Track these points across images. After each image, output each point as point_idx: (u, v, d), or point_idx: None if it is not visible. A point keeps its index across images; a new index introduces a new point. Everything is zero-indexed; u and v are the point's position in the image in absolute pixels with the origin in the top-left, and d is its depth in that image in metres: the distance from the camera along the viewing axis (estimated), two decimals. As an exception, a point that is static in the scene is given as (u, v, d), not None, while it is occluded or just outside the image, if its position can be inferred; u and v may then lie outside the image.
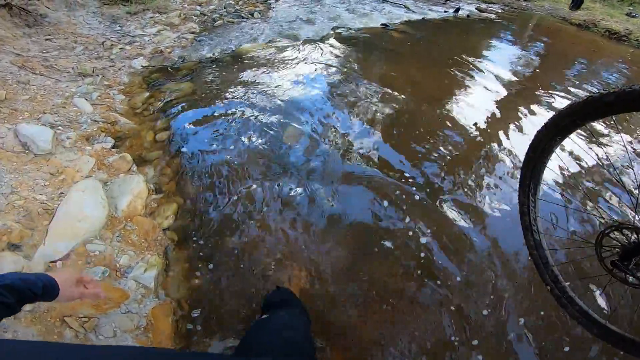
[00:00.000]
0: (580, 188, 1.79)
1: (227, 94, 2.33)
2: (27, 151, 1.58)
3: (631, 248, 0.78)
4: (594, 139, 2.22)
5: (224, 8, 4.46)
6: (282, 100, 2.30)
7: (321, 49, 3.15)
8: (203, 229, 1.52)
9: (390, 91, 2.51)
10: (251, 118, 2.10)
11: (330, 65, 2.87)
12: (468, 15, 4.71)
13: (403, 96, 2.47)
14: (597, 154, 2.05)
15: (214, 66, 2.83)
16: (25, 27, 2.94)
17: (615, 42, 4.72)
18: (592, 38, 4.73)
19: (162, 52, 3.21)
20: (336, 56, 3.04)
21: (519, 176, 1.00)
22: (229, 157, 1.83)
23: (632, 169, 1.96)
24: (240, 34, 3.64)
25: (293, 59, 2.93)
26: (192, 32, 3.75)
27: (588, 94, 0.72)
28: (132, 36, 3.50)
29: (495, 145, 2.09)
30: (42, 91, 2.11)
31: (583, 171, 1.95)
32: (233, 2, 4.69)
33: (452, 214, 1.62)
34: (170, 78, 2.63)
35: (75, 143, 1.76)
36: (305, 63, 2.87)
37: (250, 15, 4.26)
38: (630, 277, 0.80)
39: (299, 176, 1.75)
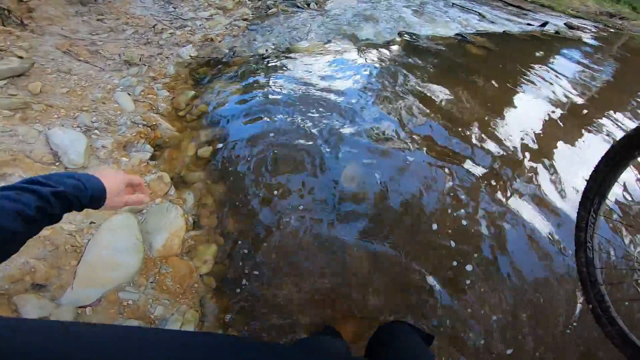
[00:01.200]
0: None
1: (279, 106, 1.95)
2: (57, 162, 1.32)
3: None
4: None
5: (280, -5, 4.03)
6: (341, 125, 1.86)
7: (386, 59, 2.65)
8: (245, 278, 1.22)
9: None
10: (303, 142, 1.72)
11: (400, 85, 2.36)
12: (557, 32, 3.91)
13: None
14: None
15: (266, 66, 2.45)
16: (79, 5, 2.70)
17: None
18: None
19: (212, 41, 2.88)
20: (406, 70, 2.52)
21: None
22: (278, 192, 1.48)
23: None
24: (294, 27, 3.21)
25: (355, 68, 2.47)
26: (245, 19, 3.38)
27: None
28: (184, 19, 3.19)
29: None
30: (83, 82, 1.85)
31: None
32: (289, -11, 4.23)
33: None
34: (218, 75, 2.30)
35: (111, 153, 1.48)
36: (370, 75, 2.39)
37: (306, 5, 3.80)
38: None
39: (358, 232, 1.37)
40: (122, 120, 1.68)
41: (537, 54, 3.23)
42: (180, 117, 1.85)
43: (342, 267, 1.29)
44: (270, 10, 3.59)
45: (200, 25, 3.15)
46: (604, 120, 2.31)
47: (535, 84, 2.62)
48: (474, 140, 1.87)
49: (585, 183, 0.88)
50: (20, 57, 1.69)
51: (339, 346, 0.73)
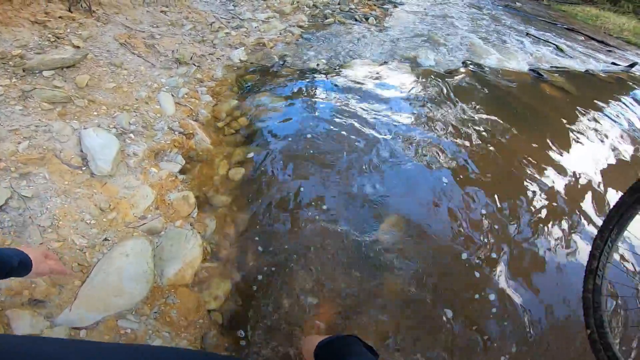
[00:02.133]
0: None
1: (323, 133, 1.74)
2: (84, 167, 1.23)
3: None
4: None
5: (338, 4, 3.85)
6: (388, 165, 1.62)
7: (446, 92, 2.35)
8: (257, 322, 1.08)
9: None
10: (342, 181, 1.50)
11: (463, 124, 2.05)
12: None
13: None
14: None
15: (317, 83, 2.26)
16: (146, -6, 2.70)
17: None
18: None
19: (265, 45, 2.75)
20: (466, 107, 2.21)
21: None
22: (309, 233, 1.29)
23: None
24: (350, 42, 3.00)
25: (410, 98, 2.20)
26: (300, 26, 3.23)
27: None
28: (241, 19, 3.11)
29: None
30: (132, 78, 1.78)
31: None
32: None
33: None
34: (265, 85, 2.15)
35: (141, 162, 1.37)
36: (428, 109, 2.11)
37: (364, 19, 3.58)
38: None
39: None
40: (159, 124, 1.58)
41: (621, 101, 2.74)
42: (218, 129, 1.72)
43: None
44: (326, 20, 3.41)
45: (255, 27, 3.05)
46: None
47: (609, 139, 2.20)
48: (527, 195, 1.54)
49: (608, 212, 0.88)
50: (77, 47, 1.64)
51: None
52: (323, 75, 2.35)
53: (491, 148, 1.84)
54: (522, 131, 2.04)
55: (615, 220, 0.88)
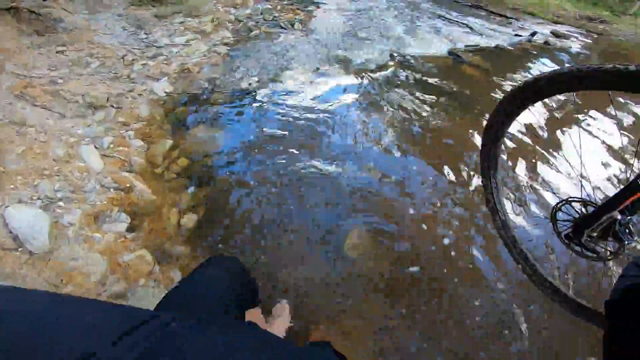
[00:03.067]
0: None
1: (271, 160, 1.80)
2: (20, 248, 1.12)
3: (581, 221, 0.81)
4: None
5: (261, 14, 3.93)
6: (344, 181, 1.73)
7: (378, 88, 2.58)
8: None
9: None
10: (298, 211, 1.56)
11: (398, 115, 2.32)
12: (546, 42, 4.03)
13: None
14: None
15: (252, 104, 2.30)
16: (34, 35, 2.48)
17: None
18: None
19: (190, 71, 2.71)
20: (399, 101, 2.47)
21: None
22: (280, 263, 1.33)
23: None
24: (279, 52, 3.10)
25: (347, 103, 2.36)
26: (225, 44, 3.24)
27: (523, 80, 0.74)
28: (157, 47, 3.01)
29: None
30: (42, 136, 1.64)
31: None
32: (271, 7, 4.15)
33: None
34: (199, 116, 2.13)
35: (81, 230, 1.29)
36: (368, 113, 2.30)
37: (290, 26, 3.72)
38: (585, 251, 0.83)
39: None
40: (89, 184, 1.49)
41: (530, 70, 3.28)
42: (158, 176, 1.67)
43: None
44: (252, 33, 3.47)
45: (176, 53, 2.98)
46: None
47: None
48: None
49: (480, 155, 1.01)
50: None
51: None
52: (255, 94, 2.40)
53: (426, 133, 2.09)
54: (450, 114, 2.35)
55: (487, 162, 1.00)
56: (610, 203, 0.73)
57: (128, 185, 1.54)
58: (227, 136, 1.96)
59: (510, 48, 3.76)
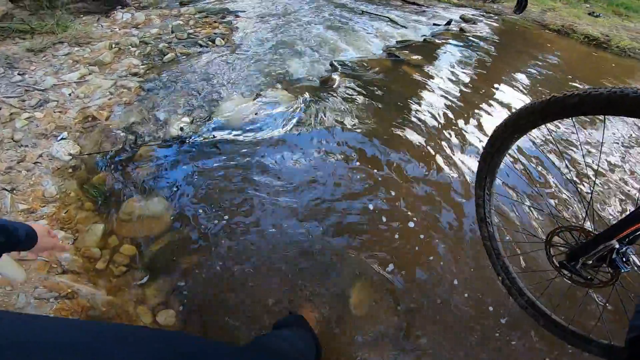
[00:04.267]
0: (536, 188, 1.95)
1: (232, 224, 1.58)
2: None
3: (579, 249, 0.85)
4: (553, 142, 2.38)
5: (172, 32, 3.55)
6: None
7: (330, 106, 2.51)
8: None
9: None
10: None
11: (352, 131, 2.27)
12: (462, 30, 4.43)
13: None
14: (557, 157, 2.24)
15: (190, 155, 1.99)
16: None
17: (595, 49, 4.88)
18: (578, 48, 4.82)
19: (96, 119, 2.28)
20: (354, 115, 2.43)
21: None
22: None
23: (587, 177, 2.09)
24: (207, 77, 2.82)
25: (304, 137, 2.20)
26: (134, 74, 2.83)
27: (552, 94, 0.74)
28: (41, 90, 2.48)
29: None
30: None
31: (542, 172, 2.08)
32: (182, 23, 3.78)
33: None
34: (127, 184, 1.76)
35: None
36: (319, 139, 2.20)
37: (210, 43, 3.43)
38: (575, 276, 0.89)
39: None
40: (21, 300, 1.14)
41: (458, 60, 3.57)
42: (102, 272, 1.32)
43: None
44: (166, 57, 3.10)
45: (70, 95, 2.49)
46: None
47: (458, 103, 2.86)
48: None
49: (478, 164, 1.04)
50: None
51: (294, 342, 0.81)
52: (193, 141, 2.10)
53: (375, 141, 2.10)
54: (397, 117, 2.41)
55: (486, 170, 1.03)
56: (609, 232, 0.77)
57: (68, 290, 1.19)
58: (173, 206, 1.66)
59: (435, 40, 4.05)
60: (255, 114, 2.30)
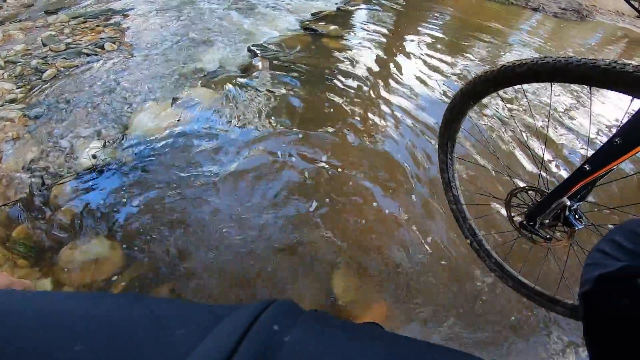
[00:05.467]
0: (492, 150, 2.06)
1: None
2: None
3: (535, 209, 0.89)
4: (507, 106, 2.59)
5: (44, 46, 3.06)
6: None
7: (259, 97, 2.42)
8: None
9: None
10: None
11: (278, 114, 2.24)
12: None
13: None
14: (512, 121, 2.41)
15: (112, 184, 1.76)
16: None
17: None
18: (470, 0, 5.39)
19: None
20: (283, 97, 2.39)
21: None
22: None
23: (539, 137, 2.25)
24: (107, 88, 2.51)
25: (232, 131, 2.10)
26: (13, 100, 2.40)
27: (503, 64, 0.79)
28: None
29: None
30: None
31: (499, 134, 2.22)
32: (55, 33, 3.27)
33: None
34: (51, 229, 1.50)
35: None
36: (254, 127, 2.13)
37: (99, 49, 3.04)
38: (535, 237, 0.93)
39: None
40: None
41: (366, 25, 3.74)
42: None
43: None
44: (45, 74, 2.67)
45: None
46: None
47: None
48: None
49: (439, 131, 1.11)
50: None
51: None
52: (113, 167, 1.85)
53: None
54: (328, 90, 2.47)
55: (447, 136, 1.09)
56: (559, 190, 0.81)
57: None
58: (119, 241, 1.46)
59: (349, 7, 4.17)
60: (178, 120, 2.12)
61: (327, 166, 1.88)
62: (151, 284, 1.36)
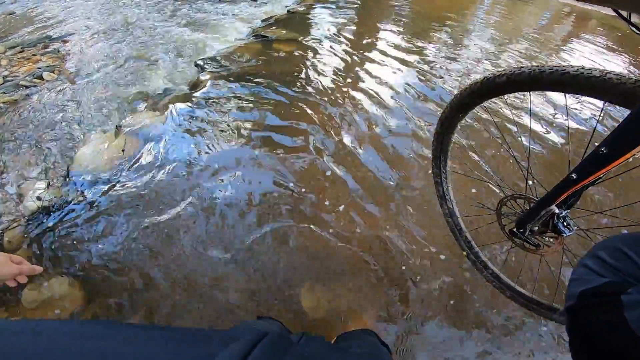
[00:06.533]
0: (481, 161, 2.08)
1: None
2: None
3: (524, 216, 0.92)
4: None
5: (-24, 82, 2.97)
6: None
7: (209, 110, 2.44)
8: None
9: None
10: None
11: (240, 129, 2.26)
12: None
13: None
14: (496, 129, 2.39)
15: (63, 226, 1.74)
16: None
17: None
18: None
19: None
20: (234, 110, 2.41)
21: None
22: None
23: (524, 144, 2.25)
24: (48, 121, 2.47)
25: (199, 165, 2.07)
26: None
27: (485, 75, 0.84)
28: None
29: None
30: None
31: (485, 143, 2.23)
32: (-13, 67, 3.18)
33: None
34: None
35: None
36: (206, 146, 2.15)
37: (38, 79, 2.98)
38: (527, 244, 0.97)
39: None
40: None
41: (321, 26, 3.81)
42: None
43: None
44: (-20, 114, 2.60)
45: None
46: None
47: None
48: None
49: (432, 145, 1.15)
50: None
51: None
52: (61, 207, 1.83)
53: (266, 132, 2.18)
54: (284, 97, 2.51)
55: (439, 149, 1.13)
56: (548, 198, 0.83)
57: None
58: (79, 279, 1.48)
59: (299, 8, 4.22)
60: (122, 150, 2.11)
61: (291, 189, 1.91)
62: (116, 314, 1.39)
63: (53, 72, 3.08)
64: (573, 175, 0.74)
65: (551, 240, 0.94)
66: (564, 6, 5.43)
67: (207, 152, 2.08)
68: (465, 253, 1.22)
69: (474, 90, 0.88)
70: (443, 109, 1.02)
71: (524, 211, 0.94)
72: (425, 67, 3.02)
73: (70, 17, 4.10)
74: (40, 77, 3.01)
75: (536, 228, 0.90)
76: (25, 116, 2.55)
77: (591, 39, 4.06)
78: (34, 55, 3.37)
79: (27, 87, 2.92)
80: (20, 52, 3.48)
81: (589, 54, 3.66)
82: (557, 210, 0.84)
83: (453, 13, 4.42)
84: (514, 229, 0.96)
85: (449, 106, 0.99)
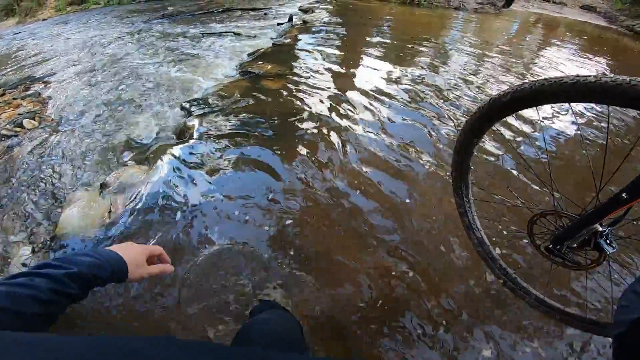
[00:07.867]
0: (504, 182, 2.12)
1: None
2: None
3: (559, 233, 0.93)
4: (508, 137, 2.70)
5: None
6: None
7: (202, 176, 2.48)
8: None
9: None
10: None
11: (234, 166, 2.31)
12: (304, 21, 4.85)
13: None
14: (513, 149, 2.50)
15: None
16: None
17: (411, 7, 6.04)
18: (399, 9, 5.80)
19: None
20: (224, 165, 2.45)
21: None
22: None
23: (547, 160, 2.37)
24: (30, 178, 2.49)
25: (195, 231, 2.18)
26: None
27: (490, 97, 0.86)
28: None
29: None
30: None
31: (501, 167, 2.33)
32: (-34, 115, 3.20)
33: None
34: None
35: None
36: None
37: (19, 128, 3.01)
38: (567, 261, 0.97)
39: None
40: None
41: (307, 57, 3.93)
42: None
43: None
44: (-41, 170, 2.61)
45: None
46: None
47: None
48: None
49: (451, 175, 1.16)
50: None
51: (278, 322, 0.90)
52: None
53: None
54: (277, 139, 2.57)
55: (459, 178, 1.13)
56: (592, 216, 0.84)
57: None
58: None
59: (284, 41, 4.36)
60: (109, 212, 2.14)
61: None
62: None
63: (33, 119, 3.12)
64: (623, 194, 0.74)
65: (593, 256, 0.93)
66: (530, 15, 5.76)
67: (195, 216, 2.11)
68: (501, 281, 1.20)
69: (483, 113, 0.91)
70: (457, 137, 1.05)
71: (557, 228, 0.94)
72: (411, 102, 3.14)
73: (54, 55, 4.16)
74: (21, 125, 3.05)
75: (574, 245, 0.90)
76: (7, 171, 2.57)
77: (561, 44, 4.31)
78: (14, 99, 3.40)
79: (8, 136, 2.95)
80: (2, 95, 3.51)
81: (563, 60, 3.90)
82: (600, 229, 0.84)
83: (430, 31, 4.62)
84: (550, 247, 0.96)
85: (462, 133, 1.02)
